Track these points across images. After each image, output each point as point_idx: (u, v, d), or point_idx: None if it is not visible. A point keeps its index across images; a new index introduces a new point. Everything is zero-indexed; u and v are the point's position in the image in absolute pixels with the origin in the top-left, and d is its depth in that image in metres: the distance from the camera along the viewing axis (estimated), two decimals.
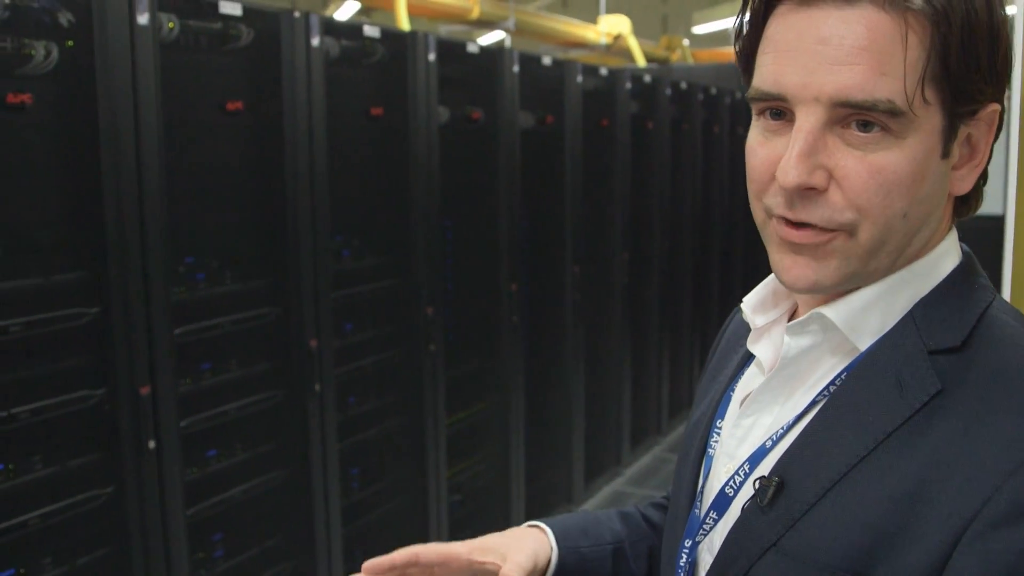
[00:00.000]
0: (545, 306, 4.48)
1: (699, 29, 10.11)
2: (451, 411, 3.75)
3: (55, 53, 2.21)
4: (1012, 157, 4.21)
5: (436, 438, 3.59)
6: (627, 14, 7.93)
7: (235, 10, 2.66)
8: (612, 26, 7.38)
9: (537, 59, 4.26)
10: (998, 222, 4.60)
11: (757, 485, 0.88)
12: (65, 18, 2.24)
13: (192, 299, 2.63)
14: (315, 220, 2.93)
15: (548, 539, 1.17)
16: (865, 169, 0.82)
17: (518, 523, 4.10)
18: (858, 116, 0.82)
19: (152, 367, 2.43)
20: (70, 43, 2.26)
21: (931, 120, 0.82)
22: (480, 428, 4.05)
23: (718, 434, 1.01)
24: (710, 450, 1.01)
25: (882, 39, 0.80)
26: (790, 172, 0.83)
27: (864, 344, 0.88)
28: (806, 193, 0.84)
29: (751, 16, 0.90)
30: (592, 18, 7.98)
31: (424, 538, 3.56)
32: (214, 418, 2.70)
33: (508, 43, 8.82)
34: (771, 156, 0.87)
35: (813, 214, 0.84)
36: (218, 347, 2.73)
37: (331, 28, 3.01)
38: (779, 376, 0.93)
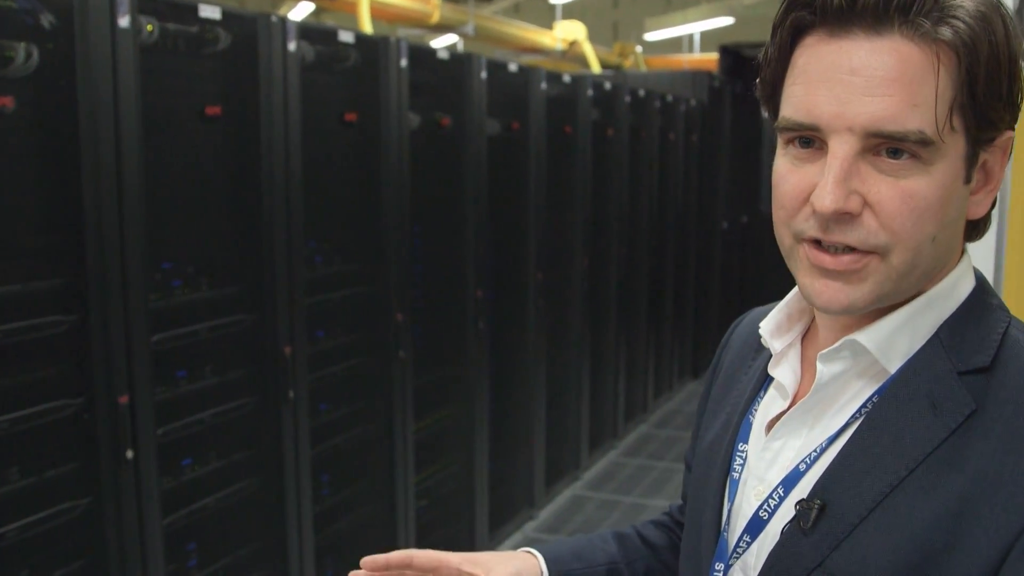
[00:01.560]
0: (509, 312, 4.49)
1: (650, 36, 10.21)
2: (418, 417, 3.74)
3: (36, 55, 2.17)
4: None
5: (404, 444, 3.58)
6: (579, 20, 7.97)
7: (214, 13, 2.63)
8: (568, 32, 7.42)
9: (503, 66, 4.27)
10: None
11: (798, 508, 0.90)
12: (46, 20, 2.20)
13: (168, 306, 2.60)
14: (290, 226, 2.91)
15: (538, 562, 1.16)
16: (898, 195, 0.85)
17: (482, 529, 4.12)
18: (889, 144, 0.84)
19: (130, 376, 2.39)
20: (51, 45, 2.21)
21: (956, 147, 0.86)
22: (446, 434, 4.05)
23: (742, 458, 1.02)
24: (734, 473, 1.02)
25: (912, 70, 0.83)
26: (826, 198, 0.86)
27: (894, 367, 0.91)
28: (841, 217, 0.87)
29: (779, 46, 0.92)
30: (545, 24, 8.01)
31: (392, 544, 3.55)
32: (190, 426, 2.67)
33: (461, 47, 8.80)
34: (802, 183, 0.89)
35: (849, 236, 0.87)
36: (194, 354, 2.70)
37: (306, 33, 2.99)
38: (810, 401, 0.95)
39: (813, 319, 1.03)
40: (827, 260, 0.89)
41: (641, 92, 6.02)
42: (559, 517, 4.89)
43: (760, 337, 1.04)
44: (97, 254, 2.29)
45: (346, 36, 3.18)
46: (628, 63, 8.81)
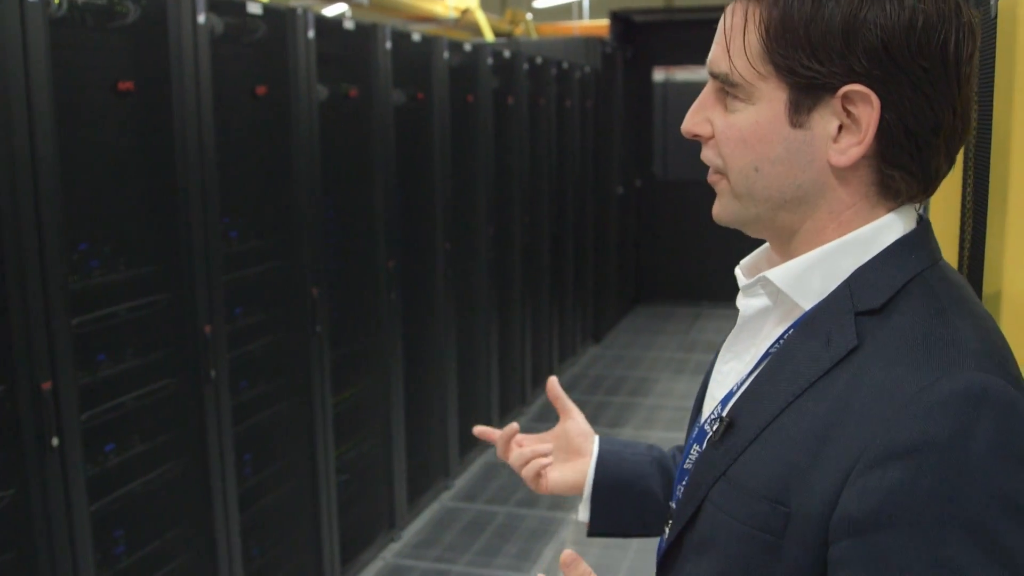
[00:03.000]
0: (419, 282, 4.49)
1: (540, 3, 10.23)
2: (336, 391, 3.72)
3: None
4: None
5: (324, 419, 3.56)
6: None
7: None
8: (460, 0, 7.38)
9: (407, 35, 4.24)
10: None
11: (713, 423, 1.05)
12: None
13: (87, 287, 2.53)
14: (205, 202, 2.85)
15: (593, 444, 1.37)
16: (722, 124, 1.02)
17: (401, 500, 4.13)
18: (721, 84, 1.02)
19: (52, 361, 2.32)
20: None
21: (774, 92, 0.98)
22: (363, 407, 4.04)
23: (712, 377, 1.17)
24: (707, 391, 1.17)
25: (731, 25, 1.01)
26: (685, 121, 1.06)
27: (808, 305, 1.01)
28: (698, 139, 1.06)
29: None
30: None
31: (316, 520, 3.54)
32: (112, 410, 2.61)
33: (349, 15, 8.67)
34: None
35: (704, 154, 1.06)
36: (114, 337, 2.63)
37: (215, 5, 2.92)
38: (743, 330, 1.10)
39: None
40: (709, 175, 1.08)
41: (538, 60, 6.05)
42: (474, 485, 4.93)
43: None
44: (13, 236, 2.22)
45: (254, 8, 3.11)
46: (519, 31, 8.82)
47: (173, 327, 2.82)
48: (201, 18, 2.80)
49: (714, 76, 1.02)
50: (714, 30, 1.03)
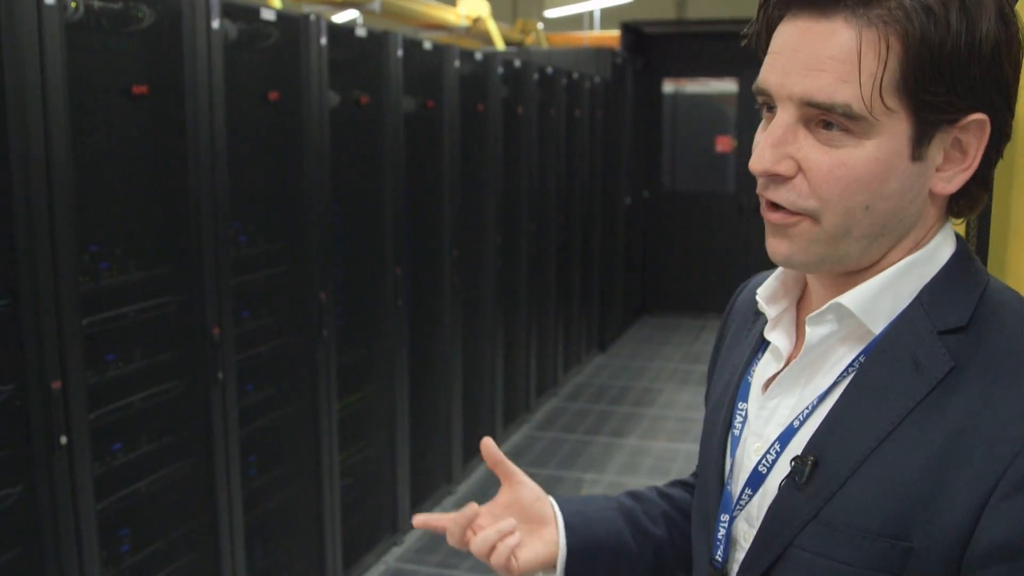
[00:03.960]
0: (426, 289, 4.52)
1: (551, 13, 10.27)
2: (341, 395, 3.74)
3: None
4: None
5: (329, 423, 3.58)
6: None
7: None
8: (471, 9, 7.41)
9: (419, 43, 4.27)
10: None
11: (793, 464, 0.97)
12: None
13: (97, 289, 2.55)
14: (216, 206, 2.88)
15: (551, 507, 1.22)
16: (828, 163, 0.92)
17: (404, 505, 4.14)
18: (822, 116, 0.92)
19: (63, 360, 2.35)
20: None
21: (897, 125, 0.91)
22: (368, 412, 4.06)
23: (742, 415, 1.09)
24: (735, 430, 1.09)
25: (847, 51, 0.90)
26: (758, 159, 0.95)
27: (878, 328, 0.97)
28: (774, 178, 0.95)
29: (763, 24, 1.01)
30: (449, 0, 7.99)
31: (319, 523, 3.56)
32: (120, 410, 2.64)
33: (360, 22, 8.71)
34: None
35: (780, 195, 0.95)
36: (123, 337, 2.66)
37: (229, 10, 2.95)
38: (802, 362, 1.02)
39: (807, 285, 1.09)
40: (768, 215, 0.98)
41: (549, 70, 6.08)
42: (477, 491, 4.95)
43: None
44: (27, 237, 2.24)
45: (268, 14, 3.15)
46: (530, 40, 8.85)
47: (182, 329, 2.85)
48: (215, 23, 2.83)
49: (817, 106, 0.91)
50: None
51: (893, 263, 0.98)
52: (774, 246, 0.99)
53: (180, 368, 2.86)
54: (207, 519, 2.97)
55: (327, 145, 3.46)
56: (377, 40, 3.87)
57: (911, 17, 0.88)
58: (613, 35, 8.98)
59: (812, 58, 0.92)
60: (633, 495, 1.30)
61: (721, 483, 1.09)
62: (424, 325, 4.51)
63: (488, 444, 1.23)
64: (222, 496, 2.98)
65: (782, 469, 1.00)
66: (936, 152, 0.94)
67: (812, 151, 0.93)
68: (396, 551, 4.25)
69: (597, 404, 6.50)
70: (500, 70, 5.17)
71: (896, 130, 0.91)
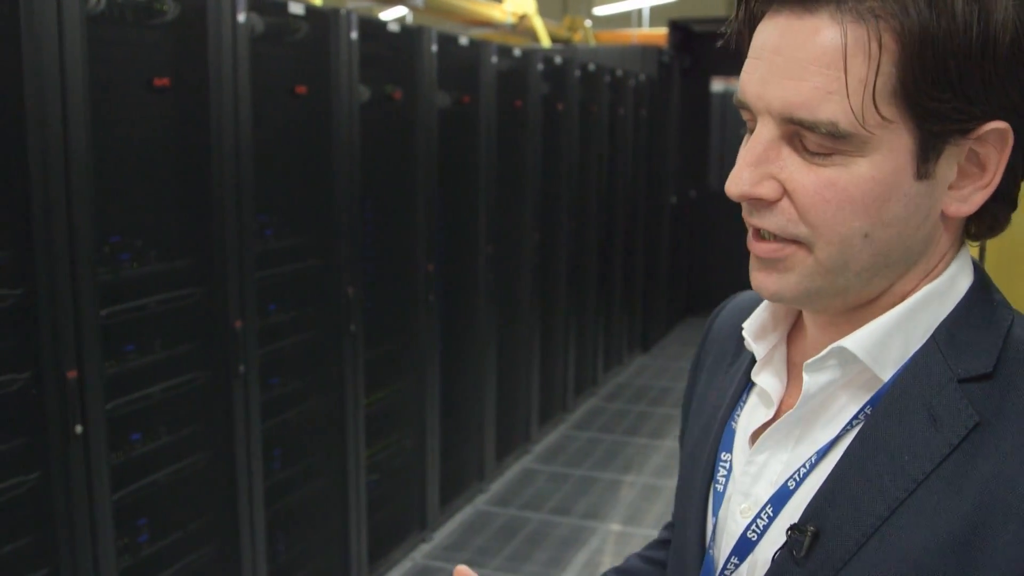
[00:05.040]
0: (459, 286, 4.50)
1: (600, 10, 10.21)
2: (369, 391, 3.74)
3: None
4: None
5: (355, 418, 3.58)
6: None
7: None
8: (517, 5, 7.39)
9: (454, 39, 4.25)
10: None
11: (790, 535, 0.83)
12: None
13: (117, 280, 2.57)
14: (240, 199, 2.88)
15: None
16: (814, 184, 0.79)
17: (433, 502, 4.12)
18: (806, 132, 0.79)
19: (79, 350, 2.36)
20: None
21: (896, 139, 0.77)
22: (397, 408, 4.06)
23: (725, 468, 0.95)
24: (717, 485, 0.95)
25: (832, 53, 0.76)
26: (734, 181, 0.82)
27: (887, 374, 0.83)
28: (756, 203, 0.83)
29: (740, 21, 0.88)
30: None
31: (344, 518, 3.56)
32: (139, 401, 2.65)
33: (410, 19, 8.74)
34: None
35: (767, 220, 0.83)
36: (143, 328, 2.67)
37: (256, 4, 2.96)
38: (796, 413, 0.88)
39: (799, 317, 0.96)
40: (756, 246, 0.85)
41: (591, 67, 6.03)
42: (509, 490, 4.93)
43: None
44: (44, 227, 2.26)
45: (296, 8, 3.15)
46: (578, 37, 8.81)
47: (203, 321, 2.86)
48: (241, 17, 2.83)
49: (799, 123, 0.78)
50: None
51: (902, 296, 0.84)
52: (761, 280, 0.86)
53: (201, 360, 2.87)
54: (227, 511, 2.98)
55: (357, 139, 3.45)
56: (410, 35, 3.86)
57: (908, 7, 0.75)
58: (662, 33, 8.90)
59: (793, 63, 0.78)
60: (622, 574, 1.18)
61: (702, 546, 0.96)
62: (457, 322, 4.50)
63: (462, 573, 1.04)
64: (243, 488, 2.99)
65: (775, 538, 0.86)
66: (947, 168, 0.79)
67: (797, 171, 0.80)
68: (424, 548, 4.24)
69: (637, 405, 6.44)
70: (540, 66, 5.13)
71: (896, 144, 0.77)
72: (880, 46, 0.75)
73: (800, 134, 0.79)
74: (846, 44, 0.76)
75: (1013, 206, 0.85)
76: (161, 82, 2.64)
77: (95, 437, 2.42)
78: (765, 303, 0.96)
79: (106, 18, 2.47)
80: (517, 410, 5.24)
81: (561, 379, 5.88)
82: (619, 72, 6.57)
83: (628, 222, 6.98)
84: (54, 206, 2.28)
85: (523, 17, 7.42)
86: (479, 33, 7.41)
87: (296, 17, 3.15)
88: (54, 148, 2.26)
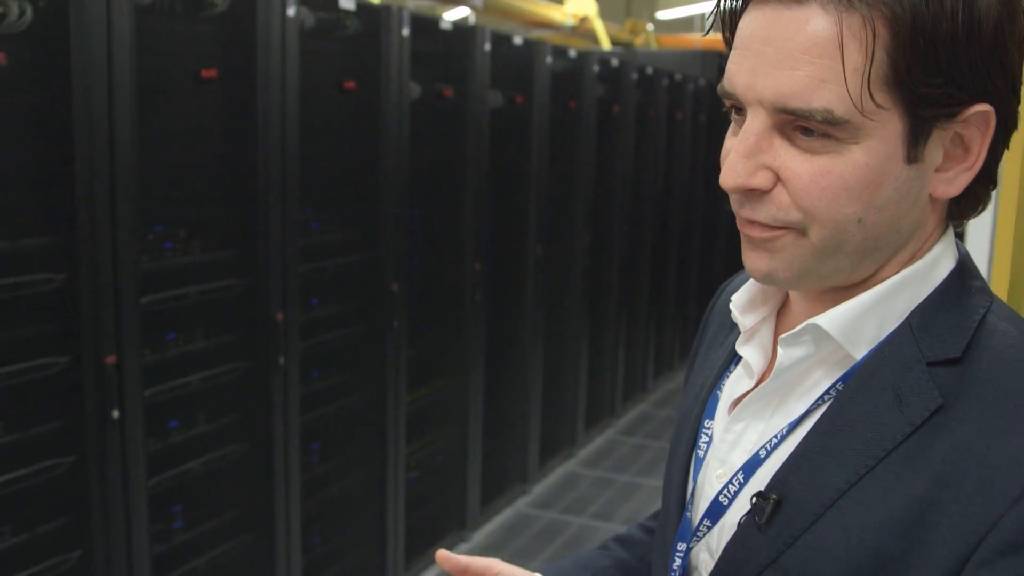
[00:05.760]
0: (507, 286, 4.49)
1: (663, 14, 10.15)
2: (411, 388, 3.74)
3: (29, 12, 2.16)
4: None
5: (396, 415, 3.59)
6: None
7: None
8: (579, 8, 7.37)
9: (508, 38, 4.25)
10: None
11: (754, 501, 0.87)
12: None
13: (159, 268, 2.60)
14: (285, 192, 2.90)
15: None
16: (809, 171, 0.80)
17: (474, 502, 4.10)
18: (799, 122, 0.80)
19: (118, 336, 2.39)
20: (44, 3, 2.20)
21: (888, 125, 0.79)
22: (439, 406, 4.06)
23: (707, 435, 0.98)
24: (699, 451, 0.99)
25: (824, 42, 0.77)
26: (729, 173, 0.83)
27: (860, 353, 0.86)
28: (750, 194, 0.84)
29: (727, 10, 0.88)
30: None
31: (381, 515, 3.57)
32: (177, 389, 2.68)
33: (473, 20, 8.77)
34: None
35: (759, 212, 0.84)
36: (184, 317, 2.70)
37: None
38: (771, 385, 0.91)
39: (788, 294, 0.98)
40: (748, 228, 0.86)
41: (649, 70, 5.99)
42: (552, 493, 4.90)
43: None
44: (87, 213, 2.29)
45: (347, 3, 3.16)
46: (639, 41, 8.76)
47: (245, 312, 2.88)
48: (291, 11, 2.85)
49: (791, 112, 0.79)
50: None
51: (885, 279, 0.86)
52: (753, 261, 0.87)
53: (242, 351, 2.89)
54: (263, 502, 3.00)
55: (406, 136, 3.46)
56: (463, 33, 3.86)
57: None
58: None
59: (783, 53, 0.79)
60: (623, 542, 1.21)
61: (681, 508, 0.99)
62: (504, 322, 4.49)
63: (444, 556, 1.08)
64: (279, 480, 3.00)
65: (744, 504, 0.89)
66: (934, 151, 0.82)
67: (791, 159, 0.81)
68: (462, 548, 4.23)
69: None
70: (596, 68, 5.10)
71: (887, 130, 0.79)
72: (874, 34, 0.77)
73: (792, 124, 0.81)
74: (841, 32, 0.77)
75: (993, 185, 0.87)
76: (208, 74, 2.67)
77: (131, 422, 2.45)
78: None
79: (155, 9, 2.50)
80: (563, 413, 5.21)
81: (610, 383, 5.84)
82: (678, 76, 6.51)
83: (683, 226, 6.91)
84: (98, 193, 2.31)
85: (584, 19, 7.39)
86: (539, 35, 7.40)
87: (347, 12, 3.17)
88: (99, 136, 2.30)
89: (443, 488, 4.13)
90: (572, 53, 4.90)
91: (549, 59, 4.54)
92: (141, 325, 2.47)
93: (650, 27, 9.08)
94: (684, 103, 6.65)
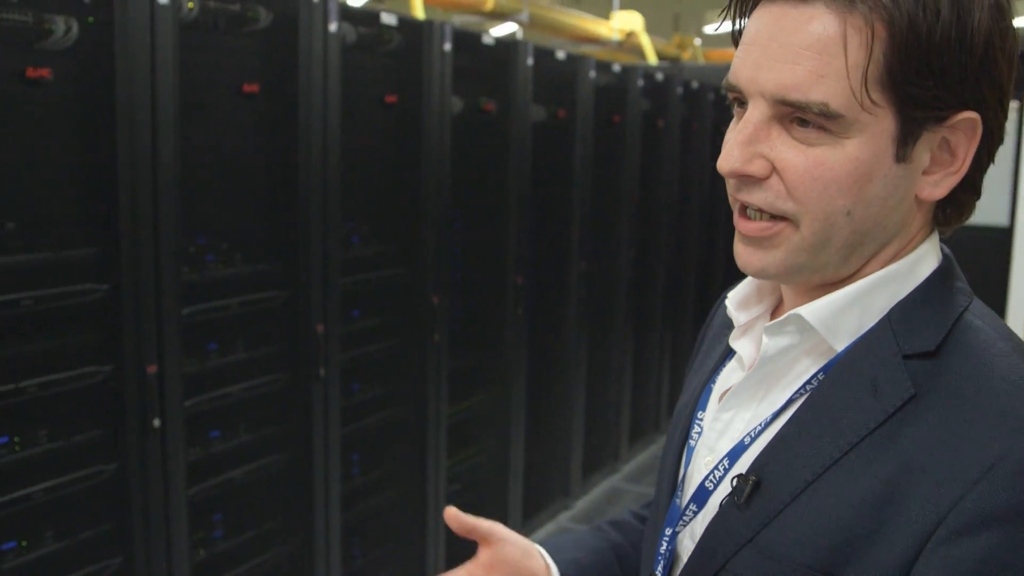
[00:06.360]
0: (550, 300, 4.49)
1: (711, 29, 10.11)
2: (453, 401, 3.75)
3: (75, 28, 2.21)
4: (1022, 168, 4.20)
5: (437, 428, 3.60)
6: (640, 11, 7.91)
7: None
8: (625, 23, 7.37)
9: (551, 53, 4.26)
10: (1005, 234, 4.61)
11: (734, 483, 0.91)
12: None
13: (201, 279, 2.64)
14: (326, 205, 2.93)
15: (543, 559, 1.17)
16: (803, 163, 0.85)
17: (515, 516, 4.07)
18: (797, 114, 0.85)
19: (160, 346, 2.43)
20: (91, 19, 2.26)
21: (881, 122, 0.84)
22: (480, 419, 4.06)
23: (699, 425, 1.03)
24: (691, 441, 1.04)
25: (827, 40, 0.82)
26: (726, 158, 0.88)
27: (841, 345, 0.90)
28: (746, 179, 0.88)
29: (737, 9, 0.93)
30: (605, 14, 7.97)
31: (422, 527, 3.57)
32: (218, 399, 2.71)
33: (520, 35, 8.81)
34: None
35: (754, 196, 0.88)
36: (225, 328, 2.74)
37: (348, 14, 3.01)
38: (757, 374, 0.96)
39: (781, 294, 1.02)
40: (743, 225, 0.91)
41: (694, 84, 5.97)
42: (595, 508, 4.88)
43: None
44: (130, 225, 2.33)
45: (389, 18, 3.19)
46: (687, 55, 8.74)
47: (286, 324, 2.91)
48: (333, 27, 2.89)
49: (790, 104, 0.84)
50: None
51: (868, 275, 0.91)
52: (747, 256, 0.92)
53: (282, 362, 2.92)
54: (303, 513, 3.02)
55: (447, 150, 3.48)
56: (505, 48, 3.87)
57: (898, 1, 0.81)
58: None
59: (786, 48, 0.84)
60: (617, 526, 1.26)
61: (671, 495, 1.04)
62: (547, 335, 4.48)
63: (452, 514, 1.16)
64: (319, 491, 3.02)
65: (727, 488, 0.93)
66: (922, 153, 0.87)
67: (787, 150, 0.86)
68: None
69: None
70: (640, 82, 5.10)
71: (879, 128, 0.84)
72: (874, 34, 0.82)
73: (790, 116, 0.86)
74: (845, 29, 0.82)
75: (977, 195, 0.92)
76: (251, 88, 2.71)
77: (172, 431, 2.48)
78: (751, 278, 1.03)
79: (199, 25, 2.54)
80: (607, 428, 5.19)
81: (654, 398, 5.80)
82: (723, 90, 6.47)
83: (730, 242, 6.85)
84: (141, 206, 2.35)
85: (630, 34, 7.39)
86: (586, 50, 7.41)
87: (389, 28, 3.20)
88: (143, 149, 2.34)
89: (484, 502, 4.13)
90: (616, 67, 4.90)
91: (592, 73, 4.54)
92: (183, 335, 2.51)
93: (697, 42, 9.06)
94: (729, 117, 6.60)
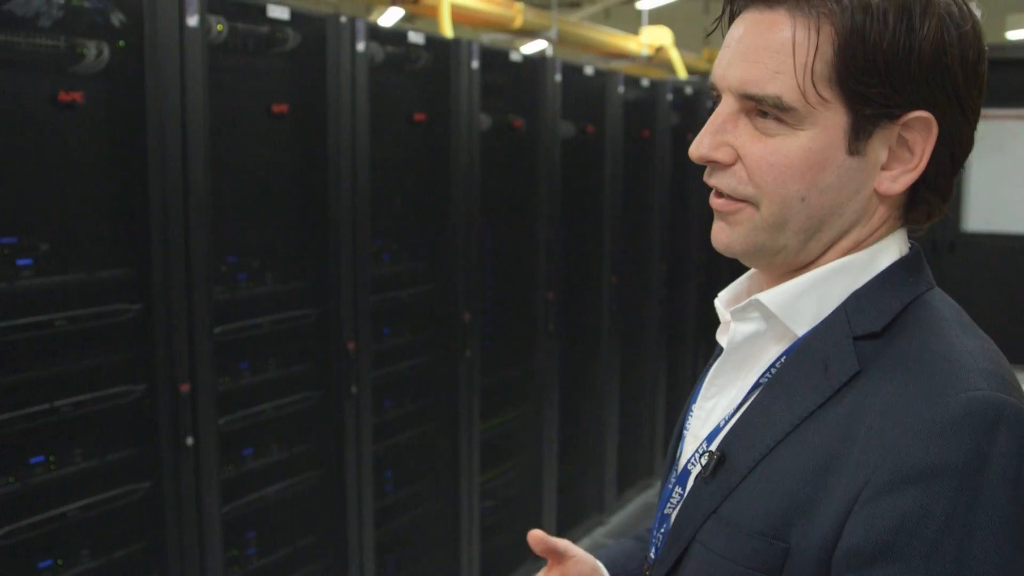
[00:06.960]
0: (581, 315, 4.48)
1: None
2: (485, 417, 3.75)
3: (106, 52, 2.25)
4: None
5: (470, 444, 3.60)
6: (669, 26, 7.92)
7: (283, 14, 2.69)
8: (654, 38, 7.37)
9: (579, 69, 4.27)
10: None
11: (703, 458, 0.99)
12: (117, 18, 2.28)
13: (233, 298, 2.66)
14: (356, 223, 2.95)
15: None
16: (762, 150, 0.94)
17: (550, 530, 4.04)
18: (758, 106, 0.94)
19: (192, 365, 2.45)
20: (121, 43, 2.29)
21: (832, 117, 0.92)
22: (513, 435, 4.06)
23: (692, 415, 1.11)
24: (685, 431, 1.11)
25: (783, 41, 0.92)
26: (696, 145, 0.98)
27: (802, 330, 0.97)
28: (714, 165, 0.98)
29: (724, 21, 1.02)
30: (634, 29, 7.98)
31: (456, 544, 3.57)
32: (251, 417, 2.73)
33: (550, 52, 8.83)
34: None
35: (721, 181, 0.98)
36: (257, 347, 2.76)
37: (376, 34, 3.04)
38: (729, 361, 1.04)
39: None
40: (712, 200, 1.00)
41: None
42: (630, 524, 4.85)
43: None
44: (162, 246, 2.36)
45: (416, 37, 3.21)
46: None
47: (317, 342, 2.93)
48: (361, 46, 2.91)
49: (750, 98, 0.93)
50: None
51: (827, 263, 0.98)
52: (716, 233, 1.01)
53: (314, 380, 2.94)
54: (337, 530, 3.02)
55: (477, 167, 3.49)
56: (533, 64, 3.89)
57: (847, 10, 0.90)
58: None
59: (751, 49, 0.94)
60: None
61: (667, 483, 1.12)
62: (579, 351, 4.47)
63: (539, 537, 1.21)
64: (352, 508, 3.03)
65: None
66: (879, 149, 0.94)
67: (749, 139, 0.95)
68: None
69: None
70: (669, 96, 5.09)
71: (831, 122, 0.92)
72: (819, 35, 0.91)
73: (755, 110, 0.94)
74: (795, 33, 0.92)
75: (945, 198, 0.99)
76: (280, 108, 2.74)
77: (206, 450, 2.50)
78: (744, 276, 1.10)
79: (228, 46, 2.58)
80: (640, 443, 5.16)
81: None
82: None
83: None
84: (172, 226, 2.38)
85: (659, 49, 7.39)
86: (615, 65, 7.42)
87: (416, 47, 3.22)
88: (174, 170, 2.37)
89: (518, 518, 4.12)
90: (645, 82, 4.90)
91: (621, 88, 4.54)
92: (215, 354, 2.53)
93: None
94: None
